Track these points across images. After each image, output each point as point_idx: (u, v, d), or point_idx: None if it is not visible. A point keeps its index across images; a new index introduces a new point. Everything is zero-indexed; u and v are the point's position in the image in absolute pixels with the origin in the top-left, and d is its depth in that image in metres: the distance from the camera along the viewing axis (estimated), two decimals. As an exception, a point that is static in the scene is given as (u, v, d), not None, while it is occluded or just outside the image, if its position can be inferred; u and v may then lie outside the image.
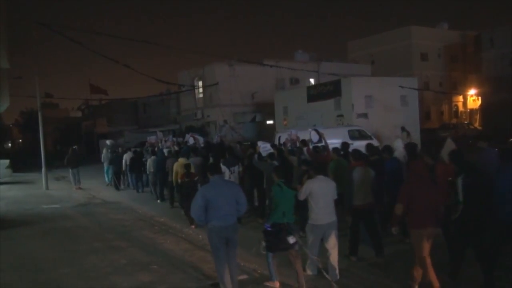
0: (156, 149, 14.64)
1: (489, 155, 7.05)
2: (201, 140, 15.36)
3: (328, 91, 25.54)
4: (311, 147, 10.31)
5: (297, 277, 5.54)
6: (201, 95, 34.95)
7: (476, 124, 39.13)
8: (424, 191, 5.12)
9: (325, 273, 5.73)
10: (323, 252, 5.92)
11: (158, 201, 12.97)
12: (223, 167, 9.39)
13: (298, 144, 10.60)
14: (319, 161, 8.33)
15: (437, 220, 5.17)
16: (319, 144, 10.55)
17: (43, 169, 17.78)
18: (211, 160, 11.05)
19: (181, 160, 10.63)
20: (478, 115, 42.68)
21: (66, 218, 11.25)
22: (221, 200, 5.20)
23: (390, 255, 6.63)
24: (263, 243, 5.58)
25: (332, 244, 5.86)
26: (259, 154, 10.32)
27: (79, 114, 57.88)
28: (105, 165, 17.75)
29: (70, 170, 17.19)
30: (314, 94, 26.57)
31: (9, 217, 11.30)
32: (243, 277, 6.13)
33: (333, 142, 11.39)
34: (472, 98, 43.75)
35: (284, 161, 9.09)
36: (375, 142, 14.54)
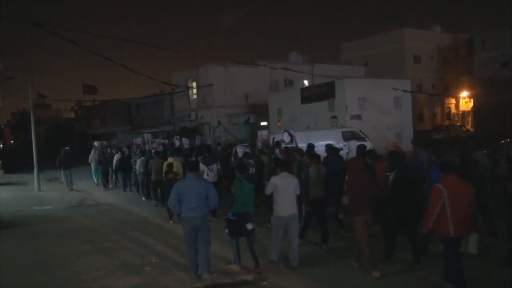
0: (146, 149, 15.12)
1: (421, 156, 8.02)
2: (186, 142, 16.72)
3: (322, 92, 25.64)
4: (283, 147, 11.03)
5: (254, 259, 6.21)
6: (195, 96, 34.83)
7: (468, 126, 39.43)
8: (362, 184, 5.93)
9: (279, 263, 6.41)
10: (286, 241, 6.56)
11: (153, 202, 12.90)
12: (202, 165, 10.10)
13: (270, 144, 11.44)
14: (289, 160, 8.89)
15: (372, 208, 6.02)
16: (289, 145, 11.30)
17: (35, 170, 17.65)
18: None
19: (170, 159, 11.16)
20: (470, 117, 42.99)
21: (58, 219, 11.17)
22: (191, 194, 5.95)
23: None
24: (226, 230, 6.25)
25: (293, 234, 6.49)
26: (235, 154, 11.10)
27: (72, 115, 57.45)
28: (92, 166, 17.94)
29: (62, 171, 17.14)
30: (308, 96, 26.66)
31: (1, 219, 11.16)
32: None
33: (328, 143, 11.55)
34: (464, 100, 44.07)
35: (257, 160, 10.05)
36: (368, 144, 14.62)
